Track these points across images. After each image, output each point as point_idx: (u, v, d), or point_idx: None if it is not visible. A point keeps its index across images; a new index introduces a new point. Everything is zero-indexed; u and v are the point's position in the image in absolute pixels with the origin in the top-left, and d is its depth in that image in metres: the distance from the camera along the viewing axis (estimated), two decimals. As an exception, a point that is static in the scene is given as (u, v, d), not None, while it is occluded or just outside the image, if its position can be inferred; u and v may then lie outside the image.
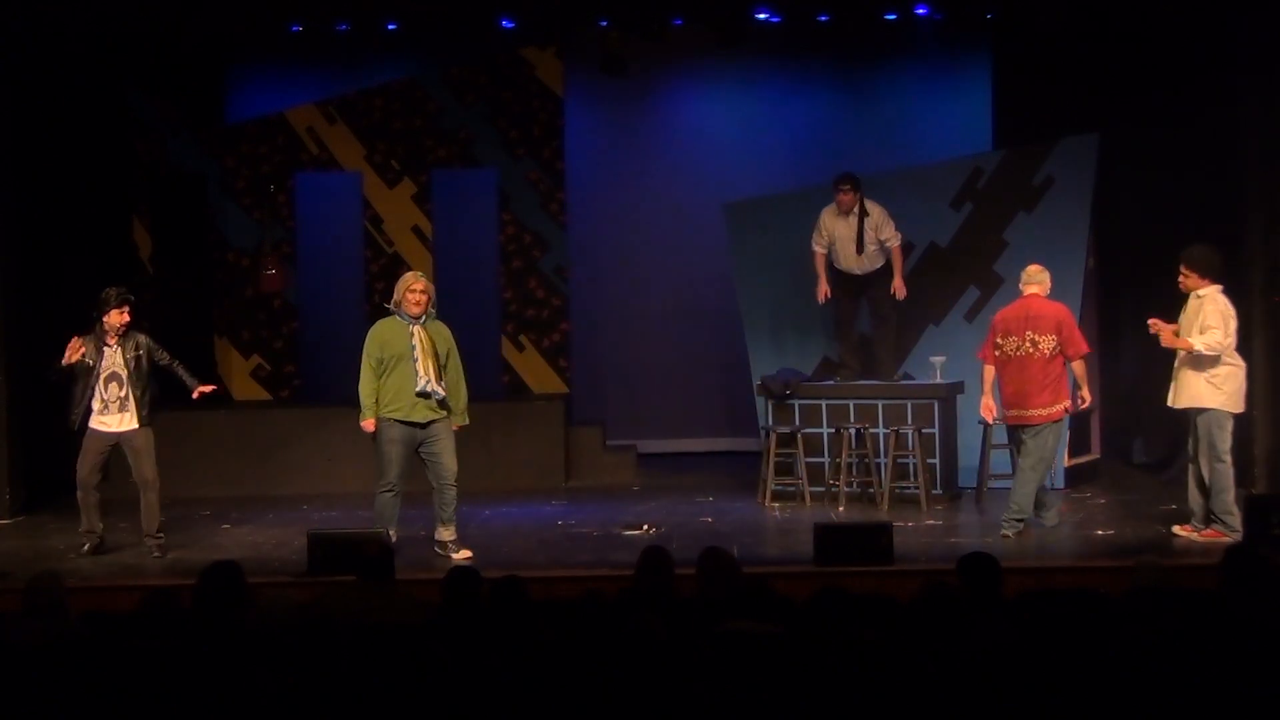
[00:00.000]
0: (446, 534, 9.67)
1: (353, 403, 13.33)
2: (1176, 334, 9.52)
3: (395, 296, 9.71)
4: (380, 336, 9.69)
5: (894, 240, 11.51)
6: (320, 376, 14.15)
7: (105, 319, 9.77)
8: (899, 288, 11.53)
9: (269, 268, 13.90)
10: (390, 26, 13.19)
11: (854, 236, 11.48)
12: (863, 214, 11.46)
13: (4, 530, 11.27)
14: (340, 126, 14.04)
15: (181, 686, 4.93)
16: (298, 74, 14.07)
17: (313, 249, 14.20)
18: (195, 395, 10.11)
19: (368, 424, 9.67)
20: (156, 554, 9.84)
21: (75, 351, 9.67)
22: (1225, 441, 9.45)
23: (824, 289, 11.65)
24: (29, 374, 11.91)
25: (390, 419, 9.60)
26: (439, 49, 13.98)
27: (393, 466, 9.59)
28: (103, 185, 13.23)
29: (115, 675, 5.15)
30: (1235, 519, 9.41)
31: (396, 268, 13.95)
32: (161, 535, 9.93)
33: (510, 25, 13.07)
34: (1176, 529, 9.75)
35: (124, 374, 9.76)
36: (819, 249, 11.67)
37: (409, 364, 9.54)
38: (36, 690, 5.15)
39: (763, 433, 11.82)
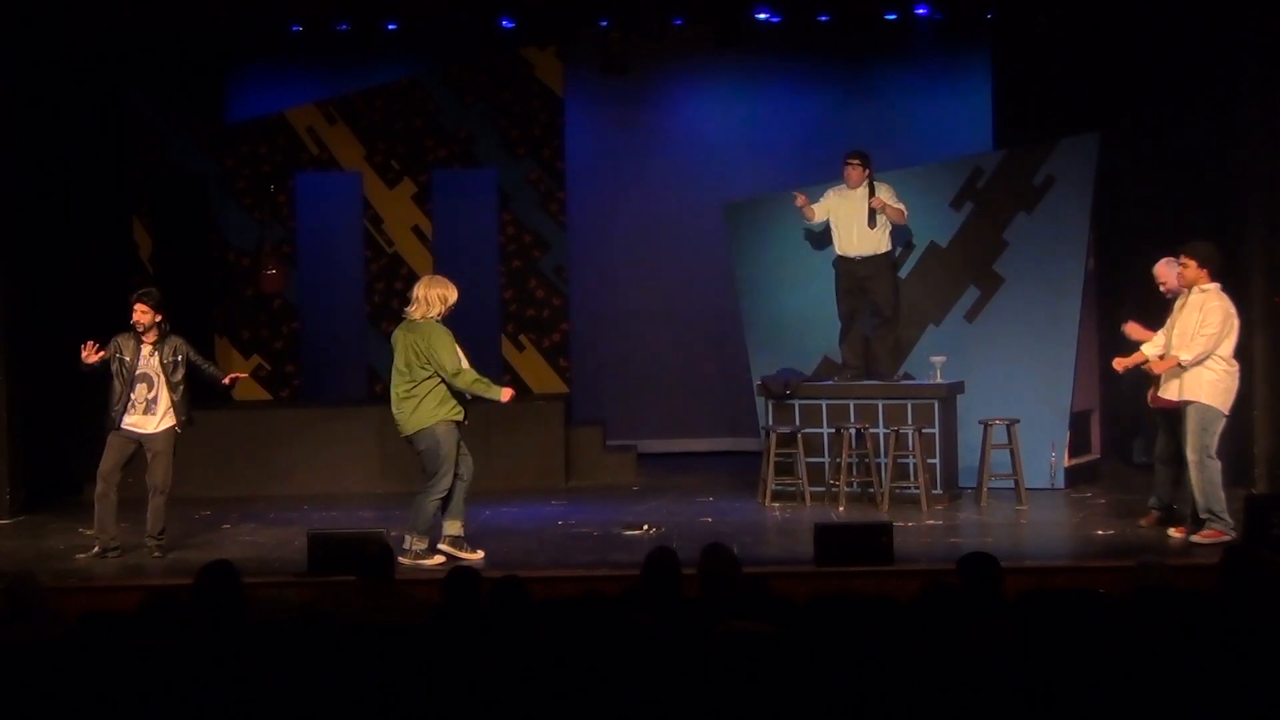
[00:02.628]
0: (459, 527, 9.65)
1: (353, 402, 13.44)
2: (1162, 355, 9.53)
3: (440, 307, 9.43)
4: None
5: (899, 207, 11.49)
6: (320, 376, 14.16)
7: (132, 318, 9.81)
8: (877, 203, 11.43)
9: (269, 268, 13.90)
10: (390, 26, 13.18)
11: (859, 212, 11.46)
12: (871, 189, 11.47)
13: (4, 530, 11.27)
14: (340, 126, 14.04)
15: (181, 686, 4.92)
16: (298, 74, 14.06)
17: (313, 249, 14.20)
18: (228, 381, 10.15)
19: (509, 391, 9.61)
20: (157, 554, 9.84)
21: (92, 354, 9.66)
22: (1215, 437, 9.40)
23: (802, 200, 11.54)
24: (29, 374, 11.93)
25: (452, 420, 9.45)
26: (439, 49, 13.98)
27: (452, 470, 9.44)
28: (103, 185, 13.23)
29: (115, 675, 5.15)
30: (1227, 514, 9.38)
31: (397, 268, 13.98)
32: (163, 538, 9.94)
33: (510, 25, 13.07)
34: (1172, 532, 9.72)
35: (156, 377, 9.78)
36: (816, 211, 11.59)
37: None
38: (36, 690, 5.15)
39: (763, 433, 11.82)
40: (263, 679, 4.75)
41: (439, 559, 9.44)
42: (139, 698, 5.02)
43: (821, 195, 11.69)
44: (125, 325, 9.88)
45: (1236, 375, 9.51)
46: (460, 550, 9.49)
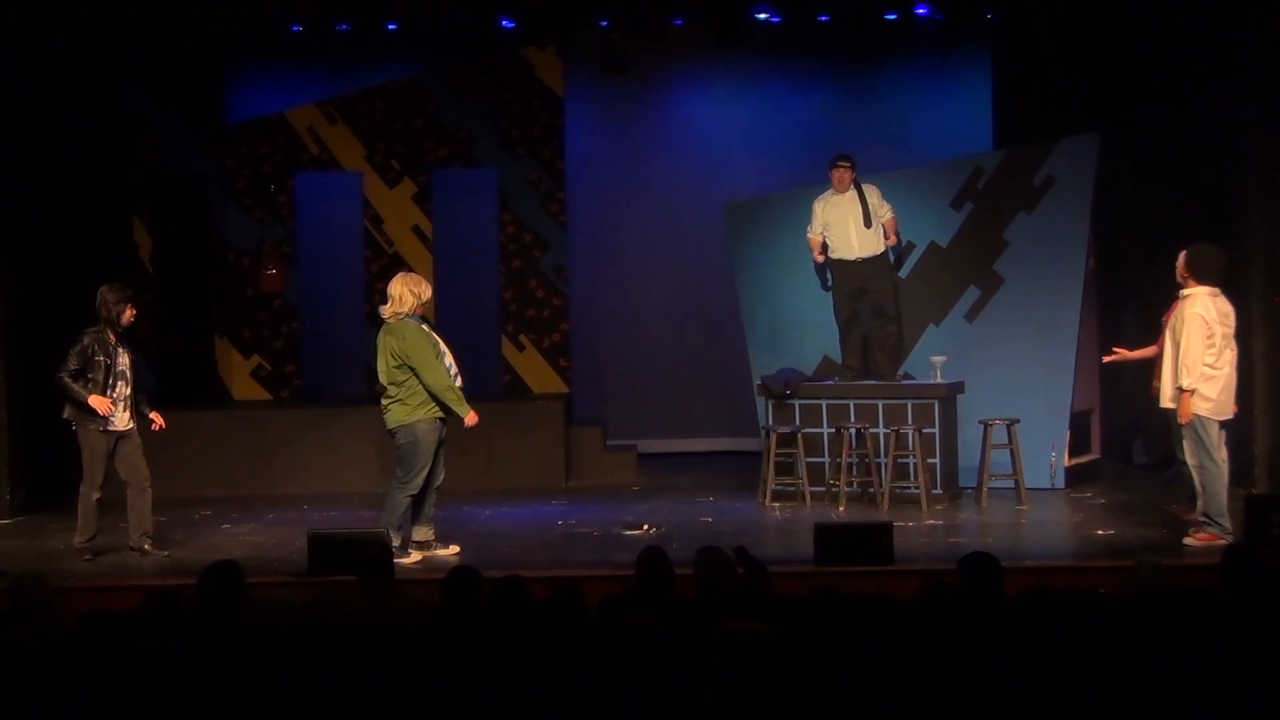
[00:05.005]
0: (430, 533, 9.70)
1: (353, 402, 13.43)
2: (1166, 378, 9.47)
3: (412, 301, 9.48)
4: (430, 335, 9.52)
5: (888, 213, 11.55)
6: (320, 376, 14.17)
7: (122, 318, 9.71)
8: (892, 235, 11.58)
9: (269, 268, 13.91)
10: (390, 26, 13.20)
11: (854, 213, 11.48)
12: (861, 194, 11.49)
13: (4, 530, 11.26)
14: (340, 126, 14.05)
15: (181, 686, 4.93)
16: (298, 74, 14.07)
17: (313, 249, 14.20)
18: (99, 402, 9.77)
19: (474, 415, 9.57)
20: (165, 553, 9.77)
21: (108, 407, 9.54)
22: (1212, 441, 9.29)
23: (818, 256, 11.68)
24: (29, 374, 11.92)
25: (435, 418, 9.48)
26: (439, 49, 13.98)
27: (427, 468, 9.51)
28: (103, 185, 13.23)
29: (115, 675, 5.15)
30: (1228, 521, 9.28)
31: (397, 268, 13.94)
32: (151, 532, 9.91)
33: (510, 25, 13.08)
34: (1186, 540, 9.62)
35: (129, 373, 9.74)
36: (813, 236, 11.69)
37: (442, 362, 9.52)
38: (36, 690, 5.15)
39: (763, 433, 11.82)
40: (263, 679, 4.76)
41: (415, 557, 9.49)
42: (139, 698, 5.02)
43: (810, 212, 11.69)
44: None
45: (1224, 377, 9.32)
46: (433, 550, 9.62)
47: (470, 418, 9.55)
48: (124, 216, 13.66)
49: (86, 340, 9.61)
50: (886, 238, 11.59)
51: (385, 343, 9.51)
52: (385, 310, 9.57)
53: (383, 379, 9.53)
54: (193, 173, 13.90)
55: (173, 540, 10.18)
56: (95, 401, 9.50)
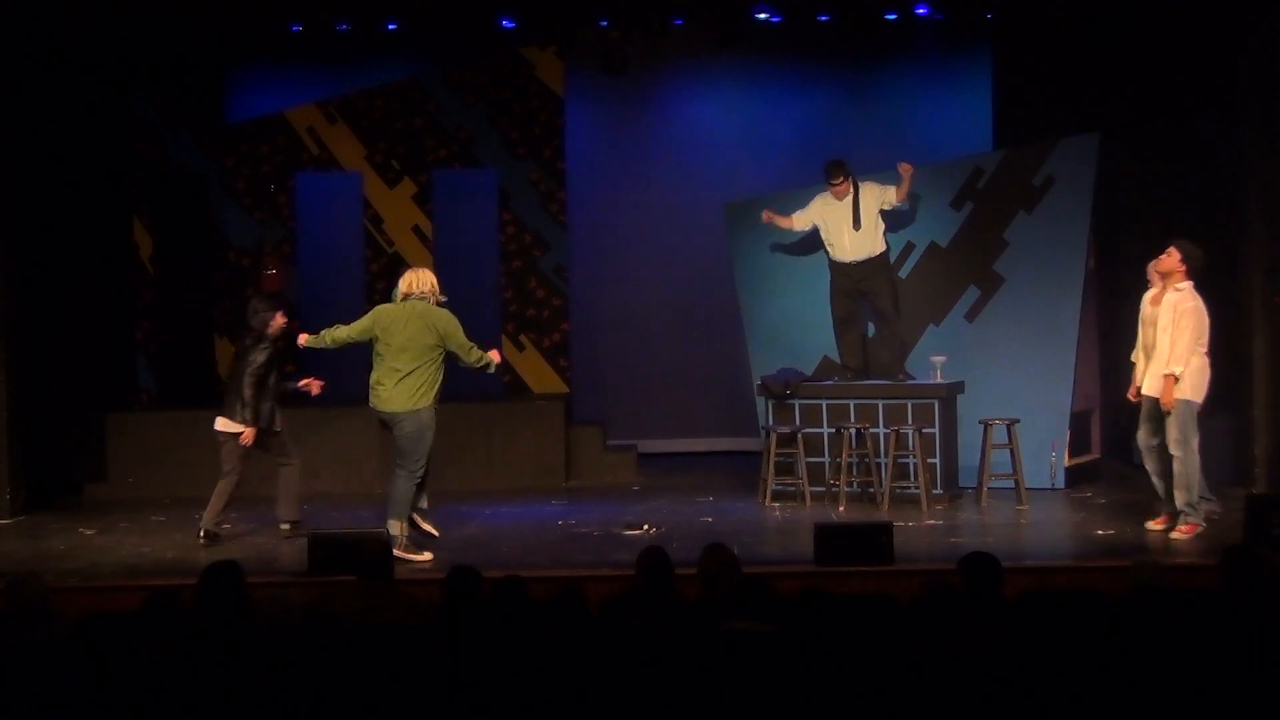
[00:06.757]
0: (424, 501, 9.77)
1: (353, 402, 13.40)
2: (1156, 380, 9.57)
3: (439, 291, 9.59)
4: None
5: (891, 194, 11.51)
6: (320, 376, 14.11)
7: (271, 327, 10.36)
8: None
9: (269, 267, 13.91)
10: (390, 26, 13.20)
11: (847, 217, 11.50)
12: (856, 195, 11.49)
13: (4, 530, 11.27)
14: (340, 126, 14.05)
15: (181, 686, 4.92)
16: (298, 74, 14.08)
17: (313, 249, 14.21)
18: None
19: (496, 354, 9.73)
20: (301, 536, 9.98)
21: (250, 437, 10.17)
22: (1193, 426, 9.48)
23: (780, 223, 11.72)
24: (29, 374, 11.93)
25: (433, 407, 9.54)
26: (439, 49, 13.99)
27: (427, 453, 9.57)
28: (103, 185, 13.23)
29: (115, 675, 5.15)
30: (1208, 503, 9.50)
31: (397, 268, 13.93)
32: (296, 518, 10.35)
33: (510, 25, 13.08)
34: (1150, 525, 9.76)
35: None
36: (794, 218, 11.68)
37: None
38: (36, 690, 5.15)
39: (763, 433, 11.82)
40: (263, 679, 4.76)
41: (428, 555, 9.48)
42: (139, 698, 5.02)
43: (809, 201, 11.70)
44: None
45: (1207, 365, 9.57)
46: (423, 523, 9.68)
47: (494, 355, 9.70)
48: (124, 216, 13.66)
49: (263, 360, 10.28)
50: (900, 187, 11.50)
51: (419, 320, 9.45)
52: (406, 290, 9.58)
53: (398, 357, 9.44)
54: (193, 173, 13.92)
55: (173, 540, 10.19)
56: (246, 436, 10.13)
